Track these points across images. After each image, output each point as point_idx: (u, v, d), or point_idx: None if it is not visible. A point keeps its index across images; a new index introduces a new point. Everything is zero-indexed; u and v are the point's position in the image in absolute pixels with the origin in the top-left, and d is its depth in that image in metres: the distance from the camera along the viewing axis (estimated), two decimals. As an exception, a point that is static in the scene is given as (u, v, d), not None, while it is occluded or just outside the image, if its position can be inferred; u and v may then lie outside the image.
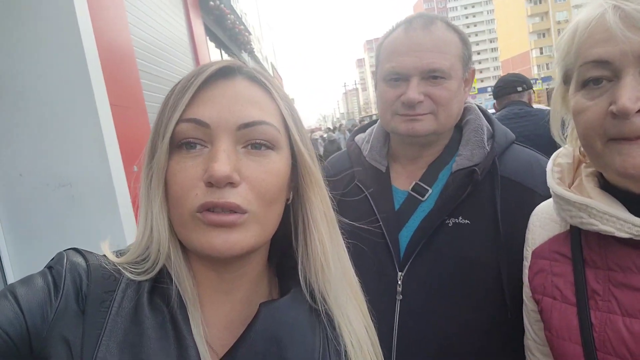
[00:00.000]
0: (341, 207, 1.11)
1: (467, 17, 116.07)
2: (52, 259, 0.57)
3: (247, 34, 10.77)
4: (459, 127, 1.14)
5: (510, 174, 1.05)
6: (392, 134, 1.14)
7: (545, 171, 0.97)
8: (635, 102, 0.59)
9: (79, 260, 0.56)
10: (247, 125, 0.56)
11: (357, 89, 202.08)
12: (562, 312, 0.76)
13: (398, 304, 1.04)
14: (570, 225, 0.78)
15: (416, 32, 1.02)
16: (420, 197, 1.09)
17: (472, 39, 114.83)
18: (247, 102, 0.57)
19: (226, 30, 9.22)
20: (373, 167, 1.15)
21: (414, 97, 1.00)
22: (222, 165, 0.53)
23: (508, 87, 2.83)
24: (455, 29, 1.06)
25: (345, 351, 0.64)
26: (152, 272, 0.57)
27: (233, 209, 0.54)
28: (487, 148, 1.07)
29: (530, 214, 0.98)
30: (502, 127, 1.15)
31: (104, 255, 0.59)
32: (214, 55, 8.22)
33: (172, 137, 0.56)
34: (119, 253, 0.60)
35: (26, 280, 0.53)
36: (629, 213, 0.67)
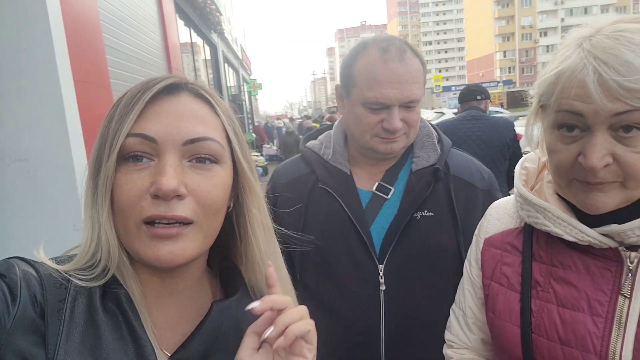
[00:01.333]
0: (310, 210, 1.19)
1: (437, 15, 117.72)
2: None
3: (217, 14, 10.52)
4: None
5: (456, 172, 1.22)
6: (365, 150, 1.21)
7: (478, 169, 1.27)
8: (601, 161, 0.67)
9: (30, 269, 0.57)
10: (192, 141, 0.59)
11: (325, 78, 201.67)
12: (507, 297, 0.86)
13: (382, 294, 1.15)
14: (525, 223, 0.88)
15: (394, 63, 1.11)
16: (384, 196, 1.20)
17: (440, 37, 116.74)
18: (193, 118, 0.60)
19: (197, 8, 8.98)
20: (338, 170, 1.22)
21: (397, 125, 1.12)
22: (170, 179, 0.56)
23: (470, 95, 3.44)
24: (418, 55, 1.17)
25: None
26: (104, 278, 0.59)
27: (180, 221, 0.57)
28: (439, 150, 1.24)
29: (474, 205, 1.21)
30: (443, 134, 1.31)
31: (45, 263, 0.60)
32: (182, 34, 8.00)
33: (120, 150, 0.58)
34: (57, 260, 0.61)
35: None
36: (577, 221, 0.76)
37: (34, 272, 0.57)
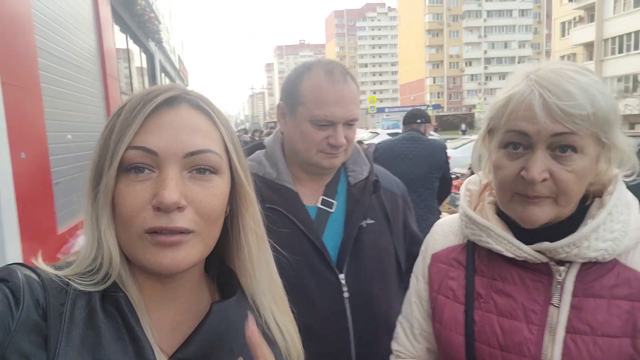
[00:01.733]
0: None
1: (373, 39, 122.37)
2: None
3: (156, 22, 10.22)
4: None
5: (382, 183, 1.37)
6: (307, 166, 1.29)
7: (394, 179, 1.46)
8: (540, 174, 0.77)
9: (31, 274, 0.57)
10: (192, 153, 0.61)
11: (263, 93, 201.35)
12: (452, 309, 0.94)
13: (346, 301, 1.22)
14: (468, 240, 0.96)
15: (340, 85, 1.22)
16: (329, 210, 1.29)
17: (375, 60, 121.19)
18: (193, 131, 0.62)
19: (135, 15, 8.67)
20: (286, 188, 1.27)
21: (343, 141, 1.22)
22: (172, 193, 0.58)
23: (412, 118, 3.84)
24: (354, 79, 1.29)
25: (276, 342, 0.74)
26: (105, 284, 0.60)
27: (182, 231, 0.59)
28: (369, 164, 1.37)
29: (397, 210, 1.39)
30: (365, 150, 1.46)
31: (44, 269, 0.60)
32: (119, 40, 7.69)
33: (121, 162, 0.60)
34: (55, 267, 0.62)
35: None
36: (515, 239, 0.85)
37: (35, 277, 0.57)
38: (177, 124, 0.62)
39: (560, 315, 0.81)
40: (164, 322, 0.65)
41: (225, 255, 0.75)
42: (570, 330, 0.80)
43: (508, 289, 0.87)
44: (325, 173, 1.31)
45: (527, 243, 0.84)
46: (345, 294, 1.22)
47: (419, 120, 3.76)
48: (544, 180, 0.77)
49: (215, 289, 0.76)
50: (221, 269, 0.76)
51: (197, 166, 0.62)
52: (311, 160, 1.25)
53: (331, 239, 1.26)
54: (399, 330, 1.09)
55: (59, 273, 0.59)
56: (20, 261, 0.61)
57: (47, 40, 3.81)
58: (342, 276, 1.22)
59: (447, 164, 3.66)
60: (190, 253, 0.61)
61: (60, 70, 4.10)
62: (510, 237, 0.86)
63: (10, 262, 0.59)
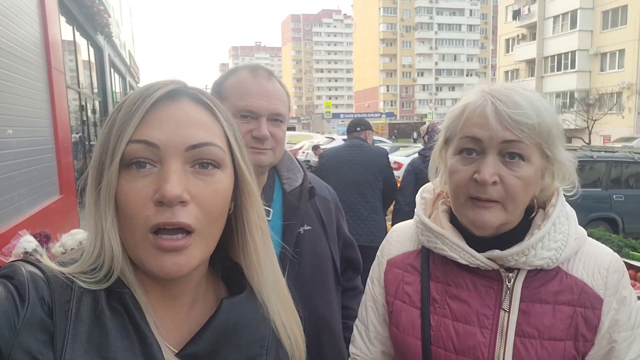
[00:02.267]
0: None
1: (329, 45, 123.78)
2: (1, 269, 0.56)
3: (106, 15, 9.83)
4: None
5: (316, 189, 1.38)
6: None
7: (325, 186, 1.48)
8: (491, 176, 0.82)
9: (36, 271, 0.56)
10: (194, 146, 0.60)
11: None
12: (409, 314, 0.96)
13: None
14: (422, 246, 1.00)
15: (263, 80, 1.23)
16: (266, 217, 1.28)
17: (331, 66, 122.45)
18: (194, 124, 0.61)
19: (83, 7, 8.30)
20: None
21: (266, 133, 1.20)
22: (174, 186, 0.56)
23: (352, 127, 4.13)
24: (283, 85, 1.32)
25: (283, 344, 0.74)
26: (108, 281, 0.59)
27: (183, 227, 0.58)
28: (302, 172, 1.38)
29: (330, 215, 1.41)
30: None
31: (49, 266, 0.59)
32: (65, 32, 7.33)
33: (122, 157, 0.58)
34: (59, 262, 0.61)
35: None
36: (468, 247, 0.89)
37: (40, 274, 0.56)
38: (179, 117, 0.61)
39: (510, 320, 0.86)
40: (168, 320, 0.65)
41: (231, 252, 0.74)
42: (519, 333, 0.85)
43: (462, 294, 0.91)
44: (256, 175, 1.29)
45: (478, 251, 0.89)
46: None
47: (358, 129, 4.08)
48: (494, 183, 0.83)
49: (220, 285, 0.75)
50: (226, 265, 0.75)
51: (200, 160, 0.61)
52: None
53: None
54: (355, 334, 1.11)
55: (64, 270, 0.58)
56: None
57: (-13, 28, 3.58)
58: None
59: (389, 168, 3.95)
60: (193, 256, 0.60)
61: (1, 60, 3.86)
62: (464, 244, 0.90)
63: (20, 259, 0.59)
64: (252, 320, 0.69)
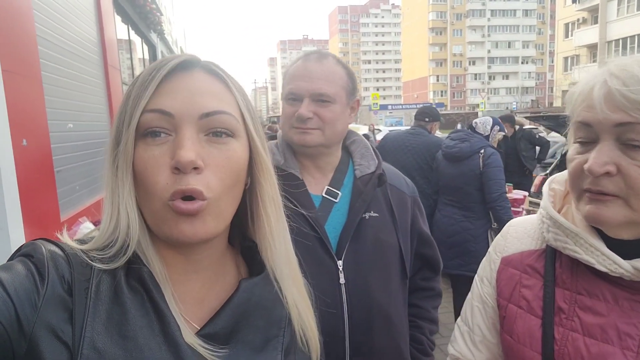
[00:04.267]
0: None
1: (376, 36, 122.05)
2: (22, 248, 0.58)
3: (158, 14, 10.23)
4: (345, 146, 1.44)
5: (390, 180, 1.40)
6: (293, 146, 1.34)
7: (404, 179, 1.46)
8: (601, 166, 0.69)
9: (56, 249, 0.58)
10: (208, 114, 0.61)
11: (266, 88, 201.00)
12: (526, 322, 0.84)
13: (343, 287, 1.25)
14: (546, 245, 0.86)
15: (311, 63, 1.28)
16: (334, 200, 1.33)
17: (379, 57, 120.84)
18: (207, 93, 0.62)
19: (136, 6, 8.68)
20: (292, 175, 1.30)
21: (304, 112, 1.24)
22: (188, 152, 0.58)
23: (420, 115, 4.30)
24: (343, 65, 1.33)
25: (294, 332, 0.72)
26: (124, 256, 0.59)
27: (196, 196, 0.58)
28: (377, 160, 1.39)
29: (404, 208, 1.39)
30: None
31: (69, 244, 0.60)
32: (120, 30, 7.70)
33: (138, 127, 0.60)
34: (81, 241, 0.62)
35: (7, 268, 0.53)
36: (609, 250, 0.75)
37: (60, 252, 0.58)
38: (192, 86, 0.62)
39: None
40: (189, 295, 0.65)
41: (248, 230, 0.74)
42: None
43: (597, 306, 0.77)
44: (313, 155, 1.32)
45: (621, 256, 0.74)
46: (342, 280, 1.25)
47: (427, 119, 4.24)
48: (608, 174, 0.69)
49: (241, 262, 0.76)
50: (245, 244, 0.76)
51: (213, 128, 0.62)
52: (287, 136, 1.30)
53: (333, 227, 1.29)
54: (456, 334, 1.02)
55: (83, 247, 0.59)
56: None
57: (47, 28, 3.83)
58: (340, 262, 1.25)
59: None
60: (209, 220, 0.60)
61: (61, 59, 4.12)
62: (604, 248, 0.75)
63: (41, 238, 0.59)
64: (269, 302, 0.70)
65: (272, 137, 1.44)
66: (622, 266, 0.73)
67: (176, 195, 0.58)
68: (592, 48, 33.01)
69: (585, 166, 0.71)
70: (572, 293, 0.80)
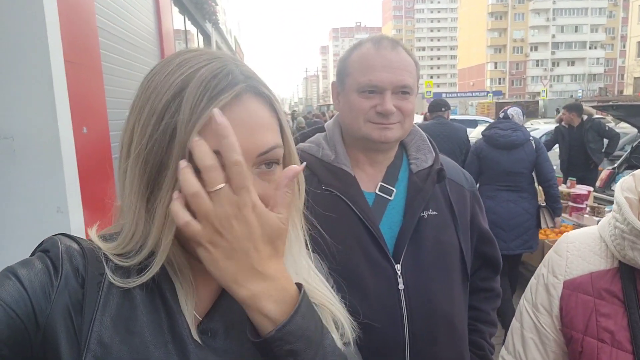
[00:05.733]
0: (314, 213, 1.13)
1: (432, 22, 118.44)
2: (43, 243, 0.59)
3: (213, 4, 10.45)
4: None
5: (448, 174, 1.27)
6: (359, 141, 1.22)
7: (462, 172, 1.33)
8: None
9: (73, 244, 0.59)
10: (265, 152, 0.58)
11: (317, 76, 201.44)
12: (614, 358, 0.73)
13: (402, 293, 1.15)
14: (621, 263, 0.77)
15: (387, 51, 1.16)
16: (388, 197, 1.23)
17: (433, 44, 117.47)
18: (261, 127, 0.58)
19: (192, -3, 8.90)
20: (343, 171, 1.22)
21: (391, 108, 1.14)
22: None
23: (437, 107, 5.10)
24: (411, 53, 1.21)
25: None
26: (147, 269, 0.57)
27: None
28: (434, 153, 1.28)
29: (464, 204, 1.26)
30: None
31: (89, 240, 0.62)
32: (177, 21, 7.93)
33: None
34: (102, 237, 0.62)
35: (25, 263, 0.56)
36: None
37: (76, 247, 0.59)
38: (246, 121, 0.57)
39: None
40: (208, 290, 0.65)
41: None
42: None
43: None
44: (380, 149, 1.23)
45: None
46: (401, 286, 1.15)
47: (442, 109, 5.05)
48: None
49: None
50: None
51: (266, 161, 0.59)
52: (360, 132, 1.18)
53: (389, 227, 1.19)
54: None
55: (103, 246, 0.60)
56: (83, 231, 0.64)
57: (108, 20, 3.98)
58: (398, 267, 1.16)
59: (468, 141, 4.82)
60: None
61: (120, 49, 4.28)
62: None
63: (60, 233, 0.61)
64: None
65: (315, 125, 1.36)
66: None
67: None
68: (672, 31, 30.22)
69: None
70: None
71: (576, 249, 0.84)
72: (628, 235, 0.73)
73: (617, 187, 0.81)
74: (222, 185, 0.50)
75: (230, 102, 0.56)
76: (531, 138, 3.73)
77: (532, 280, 0.90)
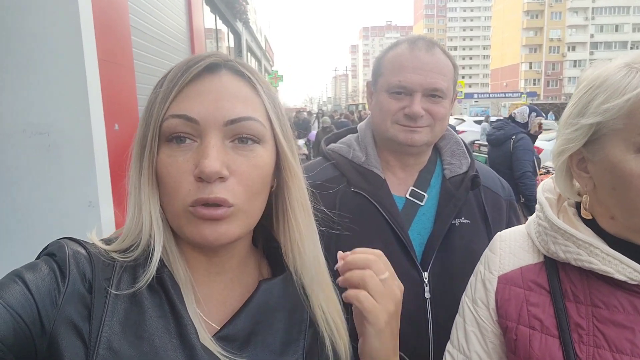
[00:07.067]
0: (342, 214, 1.09)
1: (464, 20, 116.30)
2: (48, 247, 0.59)
3: (244, 3, 10.56)
4: None
5: (484, 181, 1.23)
6: (387, 143, 1.20)
7: (499, 180, 1.31)
8: None
9: (79, 249, 0.59)
10: (233, 121, 0.59)
11: (347, 75, 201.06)
12: (544, 343, 0.78)
13: (428, 302, 1.12)
14: (546, 257, 0.83)
15: (421, 52, 1.13)
16: (419, 202, 1.19)
17: (466, 43, 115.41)
18: (233, 98, 0.60)
19: (224, -4, 9.02)
20: (374, 174, 1.19)
21: (419, 111, 1.11)
22: (213, 161, 0.56)
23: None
24: (449, 56, 1.18)
25: (318, 330, 0.69)
26: (148, 260, 0.59)
27: (221, 203, 0.58)
28: (469, 159, 1.24)
29: (499, 214, 1.22)
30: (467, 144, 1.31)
31: (94, 243, 0.62)
32: (208, 20, 8.04)
33: (162, 131, 0.59)
34: (105, 241, 0.63)
35: (31, 267, 0.55)
36: (628, 258, 0.72)
37: (83, 251, 0.58)
38: (218, 90, 0.60)
39: None
40: (212, 297, 0.65)
41: (274, 232, 0.73)
42: None
43: (619, 318, 0.73)
44: (410, 154, 1.20)
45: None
46: (427, 294, 1.12)
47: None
48: None
49: (265, 265, 0.75)
50: (272, 245, 0.74)
51: (239, 135, 0.60)
52: (387, 133, 1.16)
53: (418, 233, 1.16)
54: None
55: (107, 248, 0.60)
56: (113, 225, 0.65)
57: (141, 19, 4.07)
58: (425, 274, 1.12)
59: None
60: (232, 226, 0.60)
61: (152, 48, 4.38)
62: (622, 256, 0.72)
63: (65, 236, 0.61)
64: (290, 303, 0.68)
65: (343, 126, 1.34)
66: None
67: (199, 202, 0.58)
68: None
69: None
70: (587, 306, 0.76)
71: (507, 246, 0.91)
72: (550, 232, 0.80)
73: (539, 188, 0.89)
74: (387, 274, 0.65)
75: (202, 73, 0.61)
76: (513, 137, 4.05)
77: (472, 278, 0.95)
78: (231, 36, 11.39)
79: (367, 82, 1.27)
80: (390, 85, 1.14)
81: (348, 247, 1.07)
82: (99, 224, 2.88)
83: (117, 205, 3.15)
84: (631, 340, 0.71)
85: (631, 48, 70.07)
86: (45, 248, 0.59)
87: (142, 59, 4.03)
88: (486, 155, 4.78)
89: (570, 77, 71.46)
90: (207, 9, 7.94)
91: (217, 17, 9.21)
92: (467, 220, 1.17)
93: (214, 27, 9.07)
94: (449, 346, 0.96)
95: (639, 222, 0.71)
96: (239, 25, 11.59)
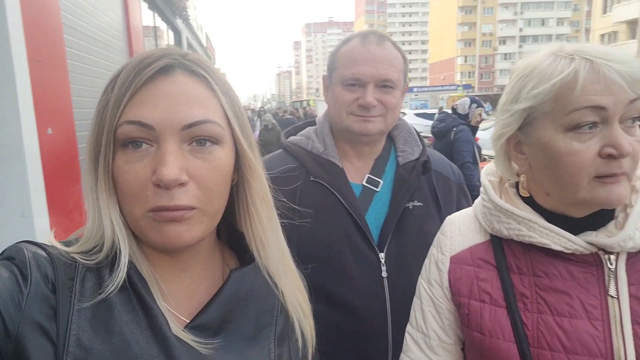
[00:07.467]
0: (303, 203, 1.17)
1: (403, 16, 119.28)
2: (5, 251, 0.57)
3: (183, -1, 10.24)
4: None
5: (435, 166, 1.32)
6: (343, 133, 1.27)
7: (449, 165, 1.40)
8: (629, 146, 0.71)
9: (39, 251, 0.57)
10: (191, 125, 0.58)
11: (290, 72, 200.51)
12: (493, 314, 0.84)
13: (385, 281, 1.20)
14: (491, 236, 0.89)
15: (372, 45, 1.19)
16: (375, 189, 1.27)
17: (405, 38, 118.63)
18: (189, 101, 0.59)
19: (161, -8, 8.70)
20: (331, 163, 1.25)
21: (371, 101, 1.17)
22: (170, 169, 0.55)
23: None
24: (399, 49, 1.25)
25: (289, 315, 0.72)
26: (111, 259, 0.59)
27: (183, 209, 0.57)
28: (421, 146, 1.33)
29: (449, 197, 1.31)
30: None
31: (53, 245, 0.60)
32: (146, 17, 7.73)
33: (117, 137, 0.58)
34: (65, 243, 0.62)
35: None
36: (563, 230, 0.78)
37: (43, 253, 0.57)
38: (173, 94, 0.58)
39: (622, 307, 0.76)
40: (179, 292, 0.65)
41: (237, 223, 0.73)
42: (637, 321, 0.74)
43: (557, 284, 0.80)
44: (365, 143, 1.26)
45: (572, 233, 0.79)
46: (384, 274, 1.20)
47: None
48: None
49: (230, 255, 0.75)
50: (235, 236, 0.75)
51: (197, 137, 0.59)
52: (343, 124, 1.22)
53: (374, 217, 1.24)
54: (409, 343, 0.99)
55: (68, 250, 0.59)
56: (49, 234, 0.62)
57: (74, 16, 3.85)
58: (382, 255, 1.20)
59: None
60: (195, 227, 0.59)
61: (87, 47, 4.15)
62: (557, 228, 0.79)
63: (23, 240, 0.59)
64: (260, 291, 0.69)
65: (289, 123, 1.38)
66: (576, 242, 0.77)
67: (159, 209, 0.57)
68: (632, 24, 31.37)
69: (620, 151, 0.71)
70: (529, 277, 0.82)
71: (457, 228, 0.97)
72: (494, 212, 0.87)
73: (483, 172, 0.96)
74: None
75: (156, 76, 0.59)
76: (454, 129, 4.19)
77: (426, 261, 1.01)
78: (171, 33, 11.01)
79: (323, 76, 1.33)
80: (344, 78, 1.20)
81: (310, 233, 1.13)
82: (32, 236, 2.71)
83: (53, 215, 2.97)
84: (569, 303, 0.78)
85: (556, 40, 74.98)
86: (2, 253, 0.57)
87: (77, 58, 3.82)
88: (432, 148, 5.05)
89: (501, 70, 75.35)
90: (144, 5, 7.63)
91: (156, 14, 8.88)
92: (419, 203, 1.26)
93: (153, 25, 8.74)
94: (408, 327, 1.02)
95: (570, 196, 0.77)
96: (179, 22, 11.23)
